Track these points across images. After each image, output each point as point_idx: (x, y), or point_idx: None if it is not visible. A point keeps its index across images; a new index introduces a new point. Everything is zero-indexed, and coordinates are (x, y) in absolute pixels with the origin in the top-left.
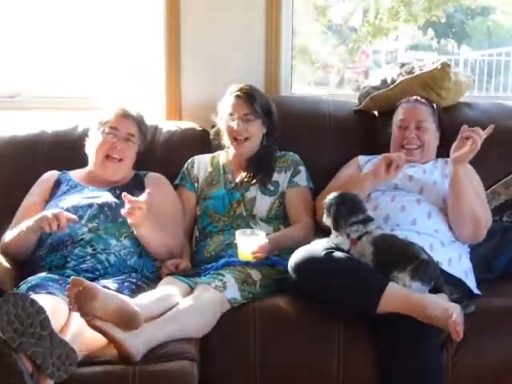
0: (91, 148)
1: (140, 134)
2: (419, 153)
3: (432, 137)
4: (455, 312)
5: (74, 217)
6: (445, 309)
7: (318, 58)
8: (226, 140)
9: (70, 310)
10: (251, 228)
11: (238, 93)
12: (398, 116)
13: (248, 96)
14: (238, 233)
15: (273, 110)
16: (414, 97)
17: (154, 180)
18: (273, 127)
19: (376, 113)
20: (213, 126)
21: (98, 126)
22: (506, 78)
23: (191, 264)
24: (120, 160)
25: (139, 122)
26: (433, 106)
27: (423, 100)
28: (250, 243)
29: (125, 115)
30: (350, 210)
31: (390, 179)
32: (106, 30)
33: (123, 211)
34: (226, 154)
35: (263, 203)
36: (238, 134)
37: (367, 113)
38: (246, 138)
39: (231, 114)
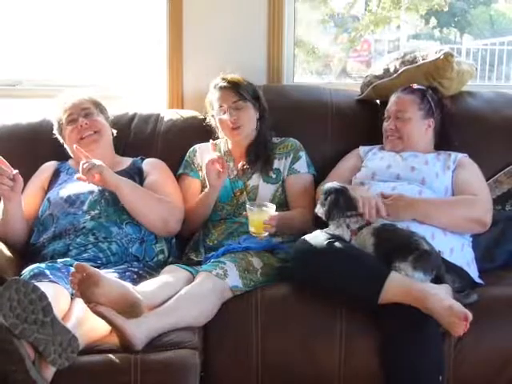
0: (67, 146)
1: (96, 106)
2: (400, 143)
3: (415, 126)
4: (456, 310)
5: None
6: (446, 306)
7: (319, 48)
8: (221, 134)
9: (72, 298)
10: None
11: (222, 83)
12: (387, 107)
13: (233, 84)
14: (248, 205)
15: (260, 95)
16: (403, 86)
17: (152, 164)
18: (264, 111)
19: (378, 102)
20: (206, 122)
21: (57, 126)
22: (508, 67)
23: (194, 253)
24: (96, 132)
25: (89, 98)
26: (424, 93)
27: (414, 87)
28: (261, 214)
29: (74, 102)
30: (348, 203)
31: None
32: (109, 19)
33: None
34: (226, 143)
35: (266, 191)
36: (233, 124)
37: (369, 102)
38: (241, 126)
39: (221, 106)
